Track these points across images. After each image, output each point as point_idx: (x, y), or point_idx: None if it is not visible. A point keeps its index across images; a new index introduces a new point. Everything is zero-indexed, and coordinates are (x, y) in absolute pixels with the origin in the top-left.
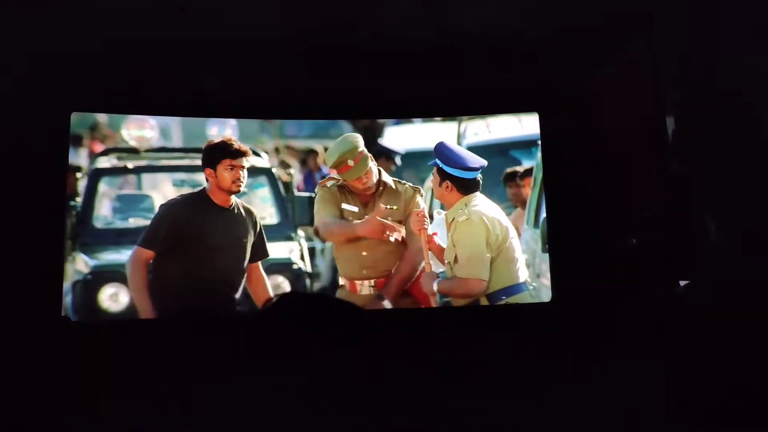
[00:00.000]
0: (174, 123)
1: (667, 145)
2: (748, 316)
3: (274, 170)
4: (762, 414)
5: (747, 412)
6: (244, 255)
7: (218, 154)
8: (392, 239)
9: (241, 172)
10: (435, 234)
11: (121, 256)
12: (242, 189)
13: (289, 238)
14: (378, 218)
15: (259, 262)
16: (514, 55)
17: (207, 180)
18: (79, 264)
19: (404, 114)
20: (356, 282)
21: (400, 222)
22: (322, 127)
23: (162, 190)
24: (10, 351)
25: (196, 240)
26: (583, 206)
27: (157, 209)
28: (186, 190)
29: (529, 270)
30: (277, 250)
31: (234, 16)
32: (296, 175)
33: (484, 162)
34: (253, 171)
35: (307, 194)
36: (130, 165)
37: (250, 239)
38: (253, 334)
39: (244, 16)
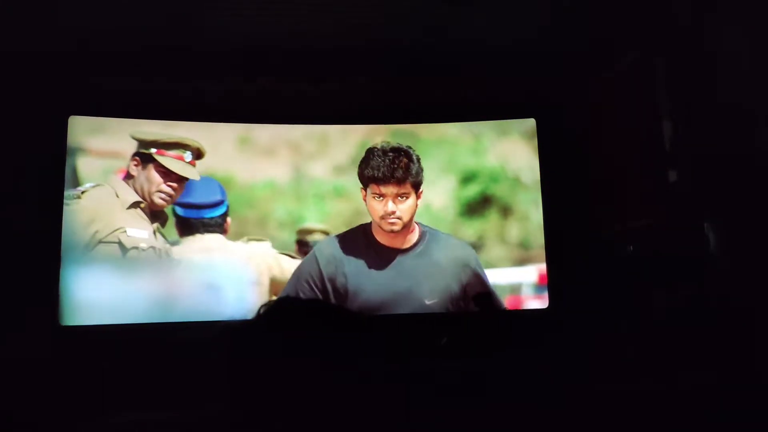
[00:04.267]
0: None
1: (665, 153)
2: (748, 320)
3: None
4: (763, 412)
5: (747, 411)
6: None
7: None
8: None
9: None
10: None
11: None
12: None
13: None
14: None
15: None
16: (512, 62)
17: None
18: None
19: (401, 119)
20: None
21: None
22: None
23: None
24: (7, 357)
25: None
26: (581, 214)
27: None
28: None
29: None
30: None
31: (234, 22)
32: None
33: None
34: None
35: None
36: None
37: None
38: (248, 340)
39: (245, 21)
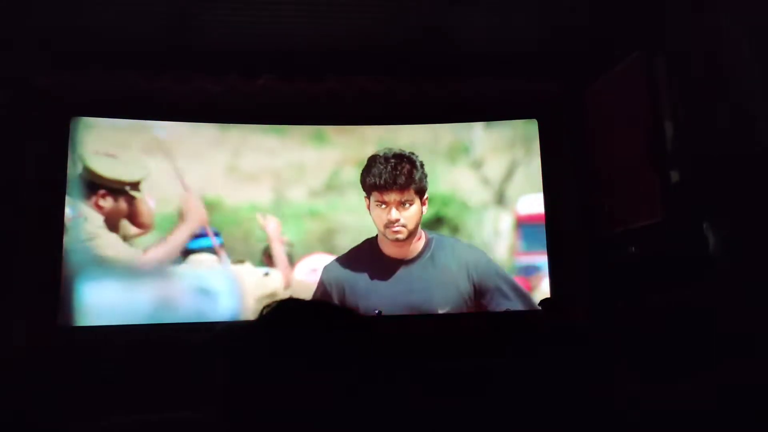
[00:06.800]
0: None
1: (665, 153)
2: (748, 322)
3: None
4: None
5: (748, 412)
6: None
7: None
8: None
9: None
10: None
11: None
12: None
13: None
14: None
15: None
16: (513, 63)
17: None
18: None
19: (406, 119)
20: None
21: None
22: None
23: None
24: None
25: None
26: (582, 214)
27: None
28: None
29: None
30: None
31: (236, 23)
32: None
33: None
34: None
35: None
36: None
37: None
38: (251, 340)
39: (246, 22)
